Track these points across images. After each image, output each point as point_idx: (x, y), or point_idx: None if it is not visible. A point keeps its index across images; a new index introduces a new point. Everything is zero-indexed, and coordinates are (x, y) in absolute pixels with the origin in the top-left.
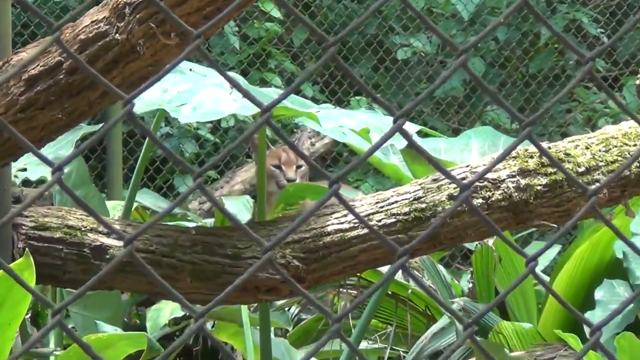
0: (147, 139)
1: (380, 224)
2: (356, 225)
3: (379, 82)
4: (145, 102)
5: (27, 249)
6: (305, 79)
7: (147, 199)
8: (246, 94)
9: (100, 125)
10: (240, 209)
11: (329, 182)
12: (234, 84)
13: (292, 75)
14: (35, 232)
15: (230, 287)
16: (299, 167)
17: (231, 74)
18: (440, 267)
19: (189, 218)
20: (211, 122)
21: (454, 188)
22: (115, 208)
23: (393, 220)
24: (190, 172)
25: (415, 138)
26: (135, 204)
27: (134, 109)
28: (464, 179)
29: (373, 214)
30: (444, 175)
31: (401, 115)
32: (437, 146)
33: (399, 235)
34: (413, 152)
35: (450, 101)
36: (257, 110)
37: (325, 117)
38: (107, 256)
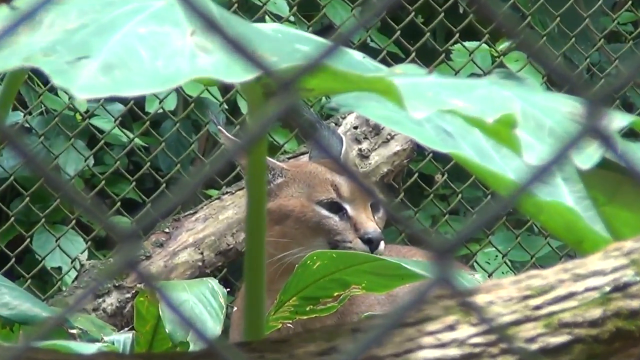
0: None
1: (535, 346)
2: (477, 352)
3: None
4: None
5: None
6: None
7: None
8: (236, 42)
9: None
10: (198, 310)
11: (436, 253)
12: (206, 18)
13: None
14: None
15: None
16: (375, 207)
17: None
18: None
19: (73, 330)
20: (124, 102)
21: None
22: None
23: (566, 338)
24: (109, 230)
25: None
26: None
27: None
28: None
29: (519, 323)
30: None
31: (600, 99)
32: None
33: None
34: (609, 178)
35: None
36: (251, 75)
37: (412, 93)
38: None
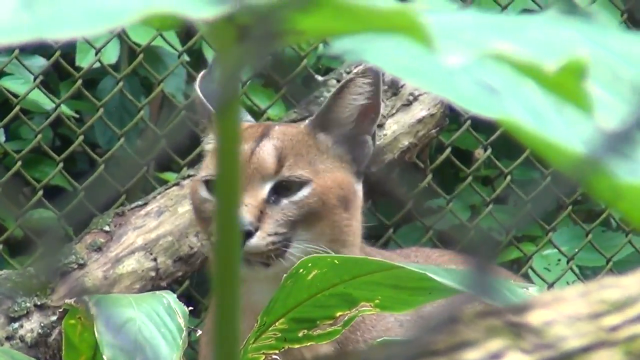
0: None
1: None
2: None
3: None
4: None
5: None
6: None
7: None
8: None
9: None
10: (148, 333)
11: (474, 256)
12: None
13: None
14: None
15: None
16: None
17: None
18: None
19: None
20: (47, 54)
21: None
22: None
23: None
24: (27, 228)
25: None
26: None
27: None
28: None
29: (590, 349)
30: None
31: None
32: None
33: None
34: None
35: None
36: (220, 10)
37: (444, 34)
38: None
